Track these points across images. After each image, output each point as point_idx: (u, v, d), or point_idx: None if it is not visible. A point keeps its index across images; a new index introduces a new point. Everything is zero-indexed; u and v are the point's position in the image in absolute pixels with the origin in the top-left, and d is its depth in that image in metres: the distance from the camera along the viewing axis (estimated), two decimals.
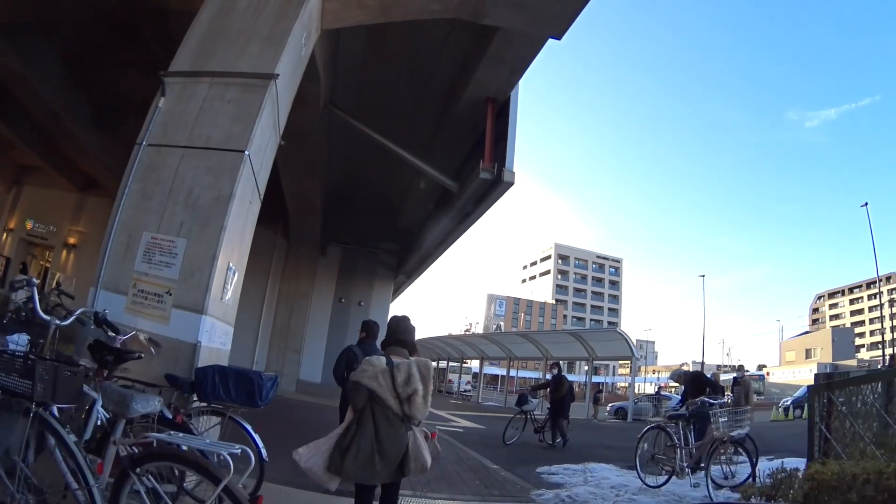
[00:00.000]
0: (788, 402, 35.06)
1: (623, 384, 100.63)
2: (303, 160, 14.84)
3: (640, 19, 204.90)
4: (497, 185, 11.89)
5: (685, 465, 8.42)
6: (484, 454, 11.78)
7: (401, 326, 5.20)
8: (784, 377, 67.65)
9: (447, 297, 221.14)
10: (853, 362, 70.52)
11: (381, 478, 4.56)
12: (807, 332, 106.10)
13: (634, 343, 31.38)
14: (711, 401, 8.88)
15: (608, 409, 36.68)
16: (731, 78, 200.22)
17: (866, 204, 40.39)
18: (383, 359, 4.74)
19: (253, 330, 22.19)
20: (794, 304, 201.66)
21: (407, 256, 22.64)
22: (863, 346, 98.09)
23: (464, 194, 13.19)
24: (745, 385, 15.04)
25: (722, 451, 8.07)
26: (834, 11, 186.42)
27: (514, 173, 11.53)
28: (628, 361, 35.30)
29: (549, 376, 20.83)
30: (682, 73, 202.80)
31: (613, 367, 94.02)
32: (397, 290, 29.84)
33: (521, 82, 12.04)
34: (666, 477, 8.70)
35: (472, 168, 12.41)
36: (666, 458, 8.85)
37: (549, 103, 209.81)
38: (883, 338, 48.93)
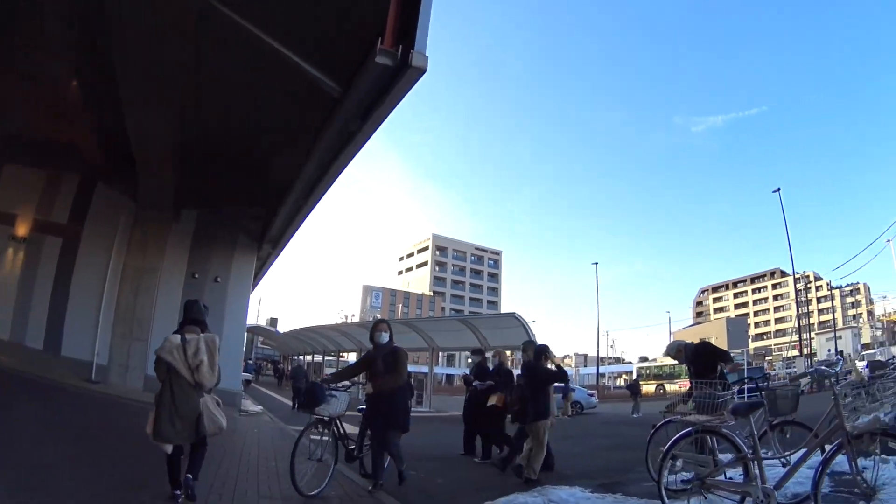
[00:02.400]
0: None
1: None
2: (156, 72, 11.02)
3: (525, 14, 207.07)
4: (401, 74, 8.25)
5: (770, 490, 5.05)
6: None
7: (194, 308, 6.52)
8: (680, 367, 69.06)
9: (321, 289, 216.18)
10: (748, 350, 73.37)
11: (181, 438, 5.81)
12: (698, 323, 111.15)
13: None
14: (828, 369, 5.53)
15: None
16: (617, 80, 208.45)
17: (778, 189, 39.81)
18: (178, 336, 6.02)
19: (92, 314, 18.03)
20: (674, 298, 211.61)
21: (274, 215, 18.16)
22: (750, 336, 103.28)
23: (348, 98, 9.50)
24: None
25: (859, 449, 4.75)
26: (725, 22, 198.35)
27: (426, 57, 7.96)
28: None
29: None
30: (569, 71, 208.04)
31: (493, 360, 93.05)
32: (263, 265, 25.61)
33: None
34: None
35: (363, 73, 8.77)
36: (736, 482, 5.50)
37: (432, 98, 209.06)
38: (799, 323, 49.31)
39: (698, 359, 8.44)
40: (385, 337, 8.33)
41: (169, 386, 5.80)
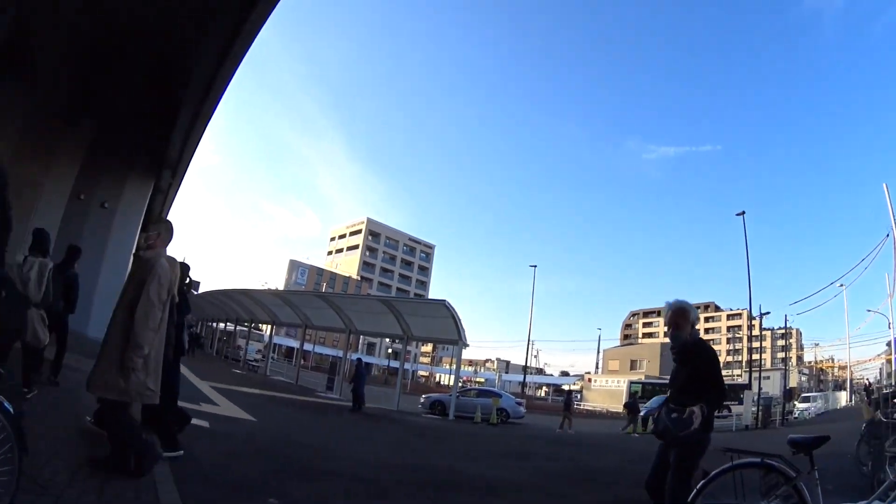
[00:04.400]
0: (644, 413, 31.17)
1: (424, 373, 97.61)
2: None
3: (485, 20, 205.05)
4: None
5: None
6: None
7: (44, 236, 7.31)
8: (606, 385, 68.26)
9: (249, 260, 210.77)
10: None
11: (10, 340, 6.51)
12: (628, 344, 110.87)
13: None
14: None
15: (422, 400, 29.05)
16: (581, 93, 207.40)
17: (742, 213, 38.18)
18: (22, 256, 6.92)
19: None
20: (602, 318, 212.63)
21: (172, 127, 14.70)
22: None
23: None
24: None
25: None
26: (695, 57, 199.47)
27: None
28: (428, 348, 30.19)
29: None
30: (532, 73, 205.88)
31: (415, 353, 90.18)
32: (166, 199, 21.31)
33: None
34: None
35: None
36: None
37: (383, 88, 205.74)
38: (751, 357, 48.15)
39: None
40: None
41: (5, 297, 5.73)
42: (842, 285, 48.56)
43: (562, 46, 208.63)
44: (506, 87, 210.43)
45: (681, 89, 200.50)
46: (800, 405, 41.71)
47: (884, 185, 34.07)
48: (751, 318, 36.19)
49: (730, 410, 43.06)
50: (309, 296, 34.84)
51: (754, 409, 31.99)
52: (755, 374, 40.74)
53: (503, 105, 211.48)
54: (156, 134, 15.83)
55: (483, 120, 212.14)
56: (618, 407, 56.95)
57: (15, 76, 13.84)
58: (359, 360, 24.86)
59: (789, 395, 45.39)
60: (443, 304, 24.41)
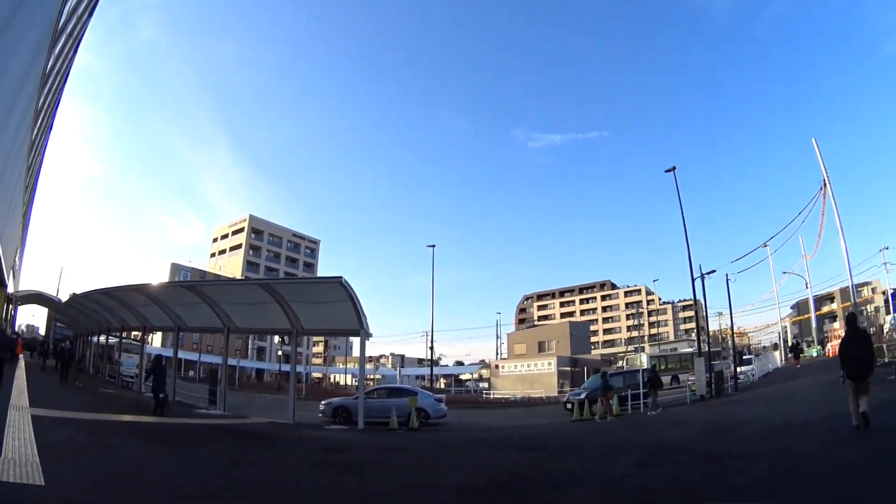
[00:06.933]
0: (581, 395, 27.70)
1: (317, 375, 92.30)
2: None
3: (374, 13, 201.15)
4: None
5: None
6: None
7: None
8: (517, 370, 65.83)
9: (131, 267, 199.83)
10: (594, 355, 71.71)
11: None
12: (530, 327, 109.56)
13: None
14: None
15: (321, 406, 24.51)
16: (459, 87, 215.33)
17: (673, 168, 35.07)
18: None
19: None
20: (497, 305, 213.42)
21: None
22: None
23: None
24: None
25: None
26: (579, 45, 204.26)
27: None
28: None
29: None
30: (410, 62, 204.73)
31: (307, 354, 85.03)
32: None
33: None
34: None
35: None
36: None
37: (264, 89, 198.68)
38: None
39: None
40: None
41: None
42: (766, 245, 53.89)
43: (439, 39, 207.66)
44: (388, 85, 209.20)
45: (564, 78, 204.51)
46: (742, 369, 40.28)
47: (813, 140, 36.51)
48: (693, 278, 33.73)
49: (678, 381, 41.48)
50: (176, 288, 29.23)
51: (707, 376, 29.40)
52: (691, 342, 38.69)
53: (388, 103, 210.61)
54: None
55: (369, 119, 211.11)
56: (537, 392, 54.48)
57: None
58: (157, 356, 22.00)
59: (740, 357, 43.89)
60: (338, 283, 19.63)
